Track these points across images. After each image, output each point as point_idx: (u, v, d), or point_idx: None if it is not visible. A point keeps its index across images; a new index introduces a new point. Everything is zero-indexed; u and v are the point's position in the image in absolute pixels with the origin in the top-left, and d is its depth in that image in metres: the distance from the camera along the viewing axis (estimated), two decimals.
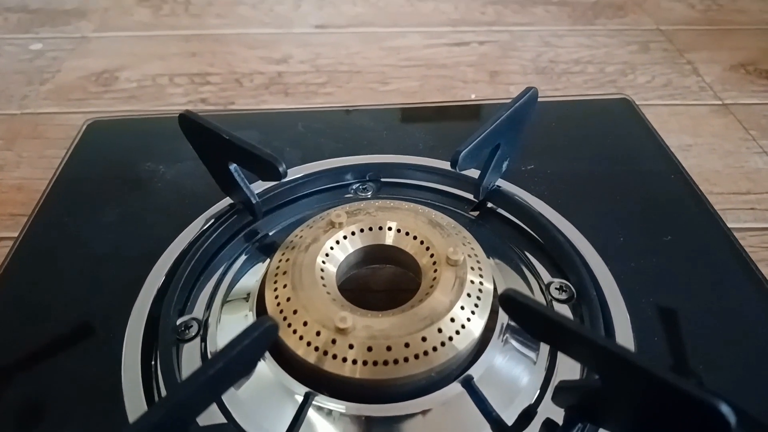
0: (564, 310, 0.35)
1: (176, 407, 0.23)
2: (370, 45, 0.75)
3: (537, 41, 0.76)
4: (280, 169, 0.33)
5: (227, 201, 0.41)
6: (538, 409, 0.30)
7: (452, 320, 0.30)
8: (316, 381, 0.30)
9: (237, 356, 0.24)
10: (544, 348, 0.33)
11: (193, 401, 0.24)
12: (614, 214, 0.41)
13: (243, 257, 0.38)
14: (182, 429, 0.24)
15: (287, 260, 0.33)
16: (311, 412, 0.29)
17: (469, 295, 0.31)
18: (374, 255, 0.35)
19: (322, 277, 0.32)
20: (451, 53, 0.74)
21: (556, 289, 0.36)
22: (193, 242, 0.38)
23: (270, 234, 0.40)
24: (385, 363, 0.29)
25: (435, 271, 0.33)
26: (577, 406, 0.28)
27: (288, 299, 0.31)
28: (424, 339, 0.29)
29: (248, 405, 0.30)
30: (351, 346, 0.29)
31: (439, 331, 0.30)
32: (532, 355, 0.32)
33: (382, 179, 0.43)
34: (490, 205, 0.42)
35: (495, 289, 0.33)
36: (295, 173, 0.42)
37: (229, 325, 0.34)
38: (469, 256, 0.33)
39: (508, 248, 0.39)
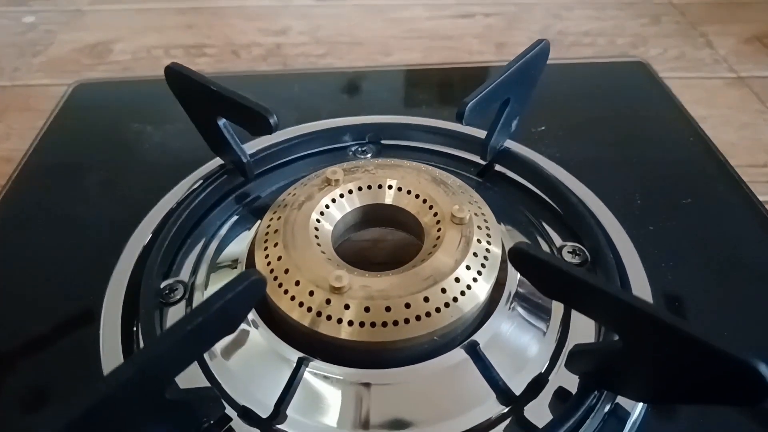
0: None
1: (151, 363, 0.20)
2: (373, 17, 0.73)
3: (544, 13, 0.73)
4: (271, 120, 0.31)
5: (217, 162, 0.38)
6: (550, 377, 0.28)
7: (457, 280, 0.28)
8: (311, 346, 0.27)
9: (219, 312, 0.22)
10: (555, 318, 0.30)
11: (171, 358, 0.21)
12: (631, 177, 0.38)
13: (233, 220, 0.36)
14: (157, 388, 0.21)
15: (279, 219, 0.31)
16: (306, 379, 0.27)
17: (475, 254, 0.29)
18: (373, 215, 0.33)
19: (316, 236, 0.30)
20: (455, 25, 0.71)
21: (568, 252, 0.34)
22: (180, 203, 0.36)
23: (262, 196, 0.38)
24: (384, 324, 0.26)
25: (439, 230, 0.30)
26: (593, 372, 0.26)
27: (279, 258, 0.29)
28: (426, 299, 0.27)
29: (238, 374, 0.28)
30: (347, 307, 0.27)
31: (443, 291, 0.27)
32: (541, 325, 0.30)
33: (383, 141, 0.41)
34: (498, 168, 0.39)
35: (503, 251, 0.31)
36: (289, 133, 0.40)
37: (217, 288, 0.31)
38: (476, 215, 0.31)
39: (517, 212, 0.36)
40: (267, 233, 0.30)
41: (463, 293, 0.28)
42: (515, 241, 0.34)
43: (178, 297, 0.32)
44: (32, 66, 0.65)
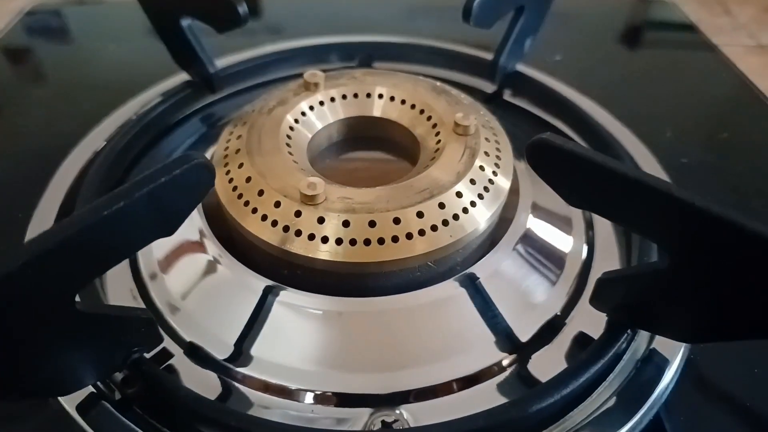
0: None
1: (53, 253, 0.15)
2: None
3: None
4: (240, 10, 0.26)
5: (183, 78, 0.33)
6: (566, 322, 0.23)
7: (459, 195, 0.22)
8: (280, 272, 0.22)
9: (148, 199, 0.16)
10: (573, 262, 0.25)
11: (81, 253, 0.16)
12: (661, 108, 0.33)
13: (195, 139, 0.31)
14: (65, 291, 0.16)
15: (244, 124, 0.26)
16: (275, 311, 0.22)
17: (482, 168, 0.24)
18: (357, 130, 0.28)
19: (288, 144, 0.25)
20: None
21: None
22: (139, 116, 0.30)
23: (232, 118, 0.32)
24: (367, 242, 0.21)
25: (438, 142, 0.25)
26: (626, 306, 0.21)
27: (240, 166, 0.23)
28: (420, 215, 0.22)
29: (189, 305, 0.22)
30: (321, 221, 0.21)
31: (441, 206, 0.22)
32: (556, 268, 0.25)
33: (374, 65, 0.35)
34: (507, 98, 0.34)
35: (515, 178, 0.26)
36: (265, 50, 0.34)
37: None
38: (484, 127, 0.26)
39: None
40: (229, 140, 0.25)
41: (465, 210, 0.22)
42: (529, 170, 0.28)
43: None
44: None
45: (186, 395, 0.19)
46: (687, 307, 0.18)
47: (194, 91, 0.32)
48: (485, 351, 0.22)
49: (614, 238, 0.27)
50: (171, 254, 0.24)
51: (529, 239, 0.25)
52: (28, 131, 0.32)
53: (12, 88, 0.35)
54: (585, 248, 0.26)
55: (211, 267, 0.23)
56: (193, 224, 0.24)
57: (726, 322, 0.18)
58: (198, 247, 0.24)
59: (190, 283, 0.23)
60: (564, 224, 0.26)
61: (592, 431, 0.19)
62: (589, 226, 0.27)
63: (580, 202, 0.20)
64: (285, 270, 0.22)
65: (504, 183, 0.24)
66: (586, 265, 0.25)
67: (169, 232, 0.18)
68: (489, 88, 0.34)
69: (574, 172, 0.18)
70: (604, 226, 0.27)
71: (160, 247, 0.25)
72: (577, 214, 0.27)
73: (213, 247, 0.23)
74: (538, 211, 0.25)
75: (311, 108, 0.27)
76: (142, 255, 0.24)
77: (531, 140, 0.19)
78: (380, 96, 0.27)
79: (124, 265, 0.24)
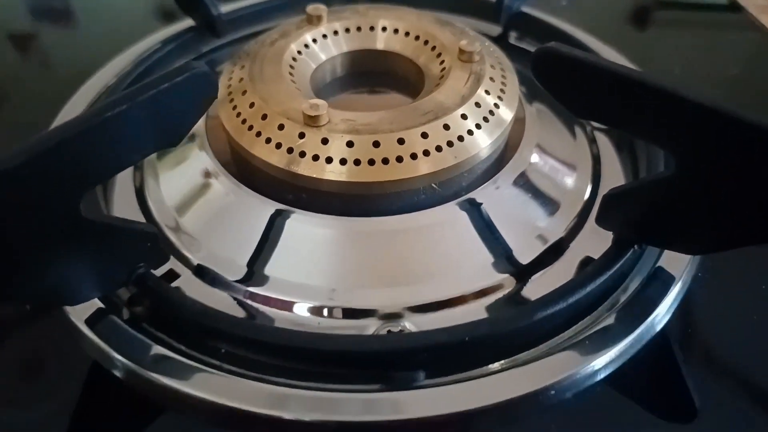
0: (605, 142, 0.27)
1: (54, 154, 0.15)
2: None
3: None
4: None
5: (187, 24, 0.33)
6: (570, 245, 0.23)
7: (464, 117, 0.22)
8: (286, 196, 0.22)
9: (152, 104, 0.16)
10: (579, 190, 0.25)
11: (83, 154, 0.16)
12: (670, 46, 0.33)
13: None
14: (69, 196, 0.16)
15: (247, 55, 0.25)
16: (282, 233, 0.22)
17: (487, 92, 0.23)
18: (361, 64, 0.27)
19: (291, 74, 0.25)
20: None
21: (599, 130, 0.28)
22: (136, 65, 0.30)
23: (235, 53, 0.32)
24: (371, 162, 0.21)
25: (443, 69, 0.25)
26: (633, 221, 0.20)
27: (243, 93, 0.23)
28: (424, 135, 0.21)
29: (197, 230, 0.22)
30: (325, 141, 0.21)
31: (446, 128, 0.22)
32: (560, 194, 0.24)
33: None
34: (513, 39, 0.33)
35: (522, 116, 0.25)
36: None
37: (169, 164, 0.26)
38: (489, 55, 0.25)
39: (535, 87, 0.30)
40: (232, 72, 0.25)
41: (470, 133, 0.22)
42: (534, 103, 0.28)
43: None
44: None
45: (193, 307, 0.19)
46: (695, 214, 0.18)
47: (198, 36, 0.32)
48: (486, 271, 0.22)
49: (621, 175, 0.26)
50: (179, 185, 0.24)
51: (534, 168, 0.24)
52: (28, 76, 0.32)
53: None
54: (590, 186, 0.25)
55: (219, 194, 0.23)
56: (201, 154, 0.24)
57: (735, 227, 0.18)
58: (206, 175, 0.24)
59: (199, 210, 0.23)
60: (570, 160, 0.26)
61: (592, 344, 0.19)
62: (596, 162, 0.27)
63: (585, 113, 0.19)
64: (291, 194, 0.22)
65: (508, 111, 0.24)
66: (592, 197, 0.25)
67: (173, 141, 0.18)
68: (494, 30, 0.34)
69: (580, 79, 0.18)
70: (611, 164, 0.27)
71: (168, 177, 0.25)
72: (584, 154, 0.27)
73: (221, 176, 0.23)
74: (545, 146, 0.25)
75: (314, 41, 0.26)
76: (148, 184, 0.24)
77: (536, 50, 0.19)
78: (384, 29, 0.27)
79: (130, 193, 0.24)
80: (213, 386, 0.17)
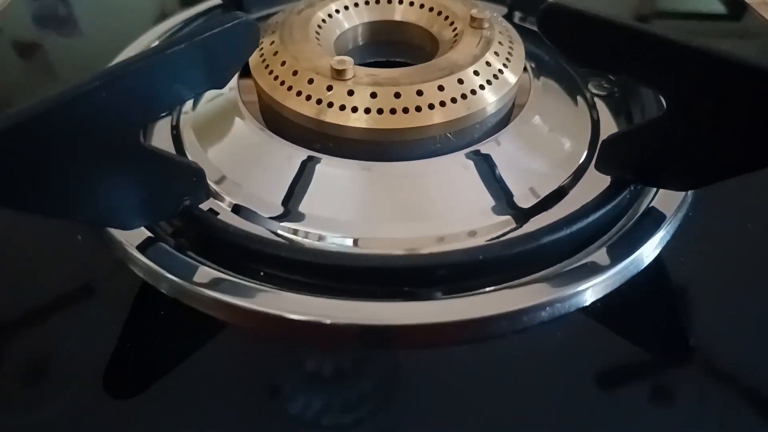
0: (603, 108, 0.30)
1: (121, 81, 0.17)
2: None
3: None
4: None
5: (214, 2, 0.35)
6: (570, 192, 0.25)
7: (476, 74, 0.25)
8: (315, 144, 0.24)
9: (201, 47, 0.19)
10: (581, 139, 0.27)
11: (145, 87, 0.18)
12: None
13: None
14: (130, 124, 0.18)
15: (276, 23, 0.28)
16: (312, 176, 0.24)
17: (497, 53, 0.26)
18: (379, 35, 0.30)
19: (317, 36, 0.27)
20: None
21: (594, 86, 0.30)
22: (168, 36, 0.33)
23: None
24: (393, 112, 0.23)
25: (456, 35, 0.27)
26: (629, 164, 0.23)
27: (275, 53, 0.26)
28: (440, 88, 0.24)
29: (239, 179, 0.24)
30: (351, 93, 0.24)
31: (460, 82, 0.24)
32: (563, 145, 0.27)
33: None
34: (518, 19, 0.36)
35: (527, 87, 0.28)
36: None
37: (211, 99, 0.28)
38: (497, 24, 0.28)
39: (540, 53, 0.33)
40: (263, 39, 0.27)
41: (482, 87, 0.24)
42: (537, 65, 0.30)
43: (163, 114, 0.28)
44: None
45: (237, 232, 0.21)
46: (684, 151, 0.21)
47: (224, 11, 0.34)
48: (492, 212, 0.24)
49: None
50: (214, 134, 0.26)
51: (538, 126, 0.27)
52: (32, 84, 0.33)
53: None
54: (588, 144, 0.27)
55: (253, 143, 0.25)
56: (235, 108, 0.27)
57: (720, 160, 0.20)
58: (240, 127, 0.26)
59: (234, 157, 0.25)
60: (571, 122, 0.28)
61: (579, 274, 0.21)
62: (596, 125, 0.29)
63: (587, 62, 0.22)
64: (319, 143, 0.24)
65: (513, 75, 0.26)
66: (590, 153, 0.27)
67: (221, 83, 0.20)
68: (500, 11, 0.36)
69: (582, 30, 0.21)
70: (608, 126, 0.29)
71: (202, 127, 0.27)
72: (584, 118, 0.29)
73: (255, 128, 0.26)
74: (548, 109, 0.28)
75: (337, 11, 0.29)
76: (184, 133, 0.27)
77: (541, 7, 0.21)
78: (400, 2, 0.29)
79: (167, 139, 0.27)
80: (257, 298, 0.20)
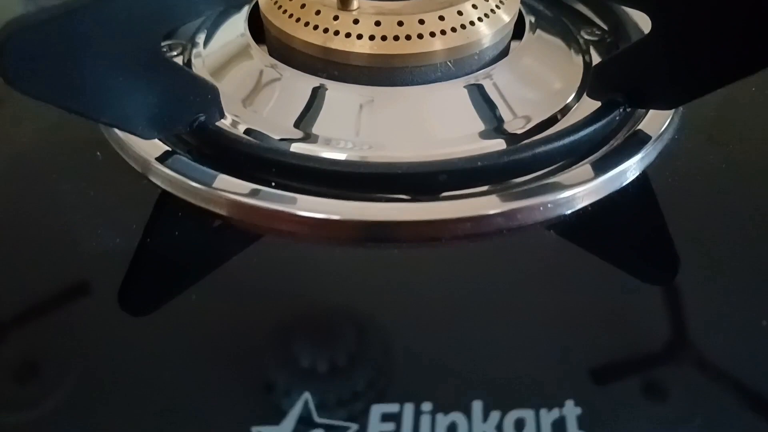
0: (595, 52, 0.31)
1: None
2: None
3: None
4: None
5: None
6: (561, 120, 0.26)
7: (474, 7, 0.26)
8: (320, 73, 0.26)
9: None
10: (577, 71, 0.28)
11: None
12: None
13: None
14: (152, 28, 0.20)
15: None
16: (320, 101, 0.25)
17: None
18: None
19: None
20: None
21: (586, 32, 0.32)
22: None
23: None
24: (396, 38, 0.25)
25: None
26: (619, 87, 0.24)
27: None
28: (441, 18, 0.25)
29: (250, 105, 0.26)
30: (356, 22, 0.25)
31: (459, 13, 0.26)
32: (559, 77, 0.28)
33: None
34: None
35: (523, 23, 0.29)
36: None
37: (221, 40, 0.29)
38: None
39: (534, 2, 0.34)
40: None
41: (480, 20, 0.26)
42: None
43: (176, 53, 0.30)
44: None
45: (250, 143, 0.22)
46: (671, 67, 0.22)
47: None
48: (486, 136, 0.25)
49: None
50: (223, 63, 0.28)
51: (533, 61, 0.28)
52: None
53: None
54: (580, 80, 0.29)
55: (262, 71, 0.27)
56: (244, 39, 0.28)
57: (701, 76, 0.21)
58: (247, 56, 0.27)
59: (244, 85, 0.26)
60: (565, 61, 0.30)
61: (568, 182, 0.22)
62: (587, 66, 0.30)
63: None
64: (325, 72, 0.26)
65: (509, 13, 0.27)
66: (581, 89, 0.28)
67: (240, 2, 0.22)
68: None
69: None
70: None
71: (211, 56, 0.29)
72: (577, 59, 0.30)
73: (264, 60, 0.27)
74: (543, 48, 0.29)
75: None
76: (194, 62, 0.28)
77: None
78: None
79: None
80: (272, 198, 0.21)
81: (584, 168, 0.23)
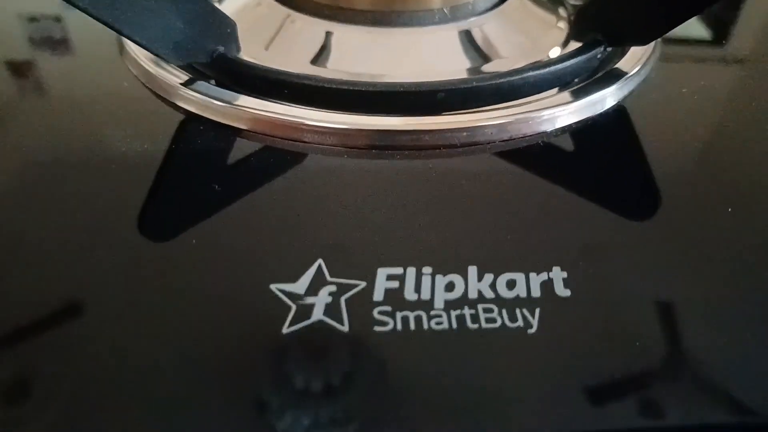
0: None
1: None
2: None
3: None
4: None
5: None
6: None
7: None
8: (328, 15, 0.28)
9: None
10: (560, 31, 0.31)
11: None
12: None
13: None
14: None
15: None
16: (328, 42, 0.28)
17: None
18: None
19: None
20: None
21: None
22: None
23: None
24: None
25: None
26: (599, 27, 0.27)
27: None
28: None
29: (264, 48, 0.28)
30: None
31: None
32: (544, 31, 0.31)
33: None
34: None
35: None
36: None
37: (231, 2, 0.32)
38: None
39: None
40: None
41: None
42: None
43: None
44: None
45: (266, 68, 0.25)
46: (644, 5, 0.25)
47: None
48: (473, 75, 0.27)
49: None
50: (237, 20, 0.30)
51: (524, 12, 0.31)
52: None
53: None
54: (566, 33, 0.32)
55: (274, 19, 0.29)
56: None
57: (674, 7, 0.24)
58: (262, 9, 0.30)
59: (258, 35, 0.29)
60: (552, 15, 0.33)
61: (551, 104, 0.25)
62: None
63: None
64: (332, 18, 0.28)
65: None
66: (567, 41, 0.31)
67: None
68: None
69: None
70: None
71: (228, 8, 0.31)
72: (564, 14, 0.33)
73: (274, 6, 0.29)
74: (531, 9, 0.32)
75: None
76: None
77: None
78: None
79: None
80: (290, 113, 0.23)
81: (566, 94, 0.25)
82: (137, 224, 0.20)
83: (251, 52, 0.28)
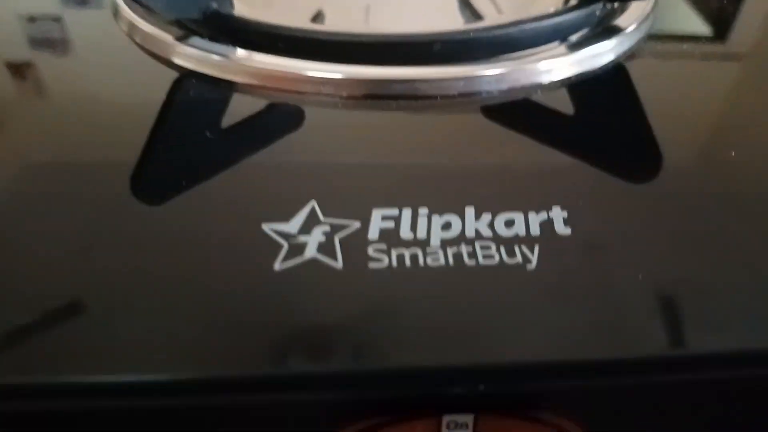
0: None
1: None
2: None
3: None
4: None
5: None
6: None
7: None
8: None
9: None
10: None
11: None
12: None
13: None
14: None
15: None
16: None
17: None
18: None
19: None
20: None
21: None
22: None
23: None
24: None
25: None
26: None
27: None
28: None
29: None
30: None
31: None
32: None
33: None
34: None
35: None
36: None
37: None
38: None
39: None
40: None
41: None
42: None
43: None
44: None
45: (258, 21, 0.24)
46: None
47: None
48: None
49: None
50: None
51: None
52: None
53: None
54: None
55: None
56: None
57: None
58: None
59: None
60: None
61: (549, 56, 0.24)
62: None
63: None
64: None
65: None
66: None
67: None
68: None
69: None
70: None
71: None
72: None
73: None
74: None
75: None
76: None
77: None
78: None
79: None
80: (286, 65, 0.23)
81: (563, 47, 0.25)
82: (130, 186, 0.20)
83: (245, 11, 0.28)
